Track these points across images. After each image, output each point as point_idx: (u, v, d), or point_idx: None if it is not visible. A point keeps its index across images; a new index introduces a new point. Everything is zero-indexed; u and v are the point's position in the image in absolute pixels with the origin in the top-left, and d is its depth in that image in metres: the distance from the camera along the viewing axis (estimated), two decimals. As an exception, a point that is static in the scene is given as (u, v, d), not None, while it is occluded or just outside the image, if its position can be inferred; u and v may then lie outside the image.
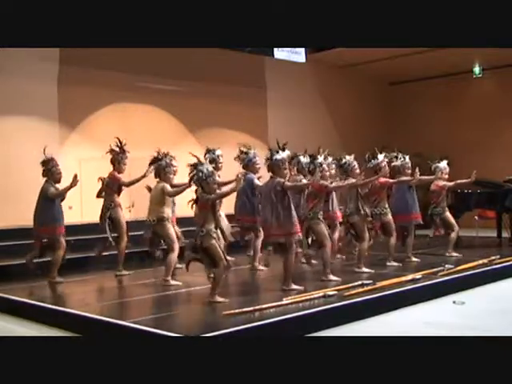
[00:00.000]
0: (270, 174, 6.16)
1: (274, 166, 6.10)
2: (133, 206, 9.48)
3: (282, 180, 6.03)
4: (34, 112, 9.85)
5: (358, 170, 7.26)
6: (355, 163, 7.31)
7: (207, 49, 9.83)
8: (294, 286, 6.09)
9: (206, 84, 11.78)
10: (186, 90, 11.64)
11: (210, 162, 7.99)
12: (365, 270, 7.16)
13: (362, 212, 7.18)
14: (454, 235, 8.45)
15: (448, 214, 8.42)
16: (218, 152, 8.11)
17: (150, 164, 7.00)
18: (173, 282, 6.70)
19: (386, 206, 7.73)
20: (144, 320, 5.09)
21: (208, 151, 8.16)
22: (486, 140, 14.19)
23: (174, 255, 6.76)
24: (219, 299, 5.63)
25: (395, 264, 7.65)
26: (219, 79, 11.97)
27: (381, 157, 7.78)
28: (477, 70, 14.14)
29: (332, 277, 6.58)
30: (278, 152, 6.11)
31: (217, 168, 7.97)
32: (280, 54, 11.79)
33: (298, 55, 12.10)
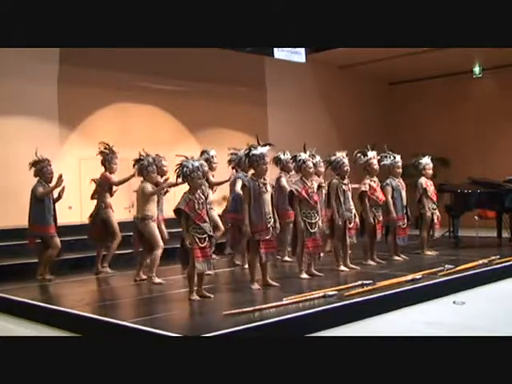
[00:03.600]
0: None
1: (251, 162, 6.18)
2: (132, 206, 9.48)
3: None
4: (34, 112, 9.86)
5: (346, 168, 7.27)
6: (344, 160, 7.32)
7: (207, 49, 9.83)
8: (255, 286, 6.20)
9: (206, 84, 11.79)
10: (186, 89, 11.65)
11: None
12: (343, 268, 7.20)
13: (342, 210, 7.20)
14: (424, 234, 8.52)
15: (425, 212, 8.45)
16: (212, 152, 8.20)
17: (134, 165, 7.09)
18: (157, 280, 6.76)
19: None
20: (144, 320, 5.09)
21: (203, 152, 8.28)
22: (486, 140, 14.20)
23: (158, 253, 6.82)
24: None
25: (373, 263, 7.75)
26: (219, 79, 11.97)
27: (371, 154, 7.80)
28: (477, 69, 14.15)
29: (303, 275, 6.75)
30: (255, 148, 6.18)
31: (211, 168, 8.05)
32: (280, 53, 11.79)
33: (298, 55, 12.09)
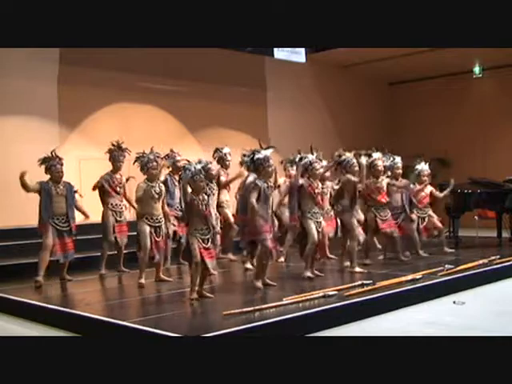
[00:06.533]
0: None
1: (257, 165, 6.13)
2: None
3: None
4: (34, 112, 9.85)
5: (356, 168, 7.25)
6: (354, 161, 7.31)
7: (207, 49, 9.83)
8: (258, 284, 6.19)
9: (206, 84, 11.78)
10: (186, 89, 11.64)
11: (218, 161, 8.15)
12: (357, 269, 7.16)
13: (354, 211, 7.19)
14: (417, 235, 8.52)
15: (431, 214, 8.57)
16: (225, 150, 8.23)
17: (134, 162, 7.05)
18: (141, 281, 6.72)
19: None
20: (144, 320, 5.09)
21: (216, 150, 8.30)
22: (486, 140, 14.20)
23: (141, 254, 6.76)
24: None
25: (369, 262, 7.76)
26: (219, 79, 11.97)
27: (376, 155, 7.80)
28: (477, 69, 14.14)
29: (308, 273, 6.67)
30: (259, 151, 6.17)
31: (225, 166, 8.09)
32: (280, 53, 11.79)
33: (298, 55, 12.09)
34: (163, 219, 6.97)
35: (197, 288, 5.83)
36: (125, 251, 7.95)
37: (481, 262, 7.55)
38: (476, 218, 10.25)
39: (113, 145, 7.80)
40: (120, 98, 10.90)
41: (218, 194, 8.13)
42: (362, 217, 7.77)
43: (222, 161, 8.10)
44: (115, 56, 10.04)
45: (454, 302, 6.10)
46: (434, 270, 7.00)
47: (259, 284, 6.22)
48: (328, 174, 8.18)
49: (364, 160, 7.40)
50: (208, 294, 5.94)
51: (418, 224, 8.45)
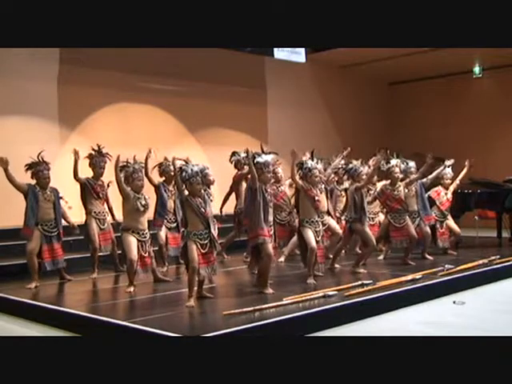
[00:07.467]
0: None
1: (256, 169, 5.99)
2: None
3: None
4: (34, 112, 9.84)
5: (364, 176, 7.20)
6: (362, 169, 7.26)
7: (207, 49, 9.83)
8: (269, 290, 6.00)
9: (206, 84, 11.77)
10: (186, 89, 11.64)
11: (235, 165, 8.20)
12: (359, 270, 7.14)
13: (363, 218, 7.14)
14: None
15: (448, 219, 8.62)
16: (243, 154, 8.22)
17: (121, 170, 6.77)
18: (130, 289, 6.51)
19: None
20: (144, 320, 5.09)
21: (233, 154, 8.32)
22: (486, 140, 14.19)
23: (128, 266, 6.49)
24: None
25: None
26: (219, 79, 11.96)
27: (394, 161, 7.75)
28: (477, 69, 14.13)
29: (311, 280, 6.48)
30: (259, 155, 6.06)
31: (242, 170, 8.11)
32: (280, 53, 11.78)
33: (298, 55, 12.08)
34: (149, 234, 6.71)
35: (196, 289, 5.80)
36: (119, 251, 7.92)
37: (481, 262, 7.55)
38: (476, 218, 10.24)
39: (93, 150, 7.70)
40: (120, 98, 10.89)
41: (237, 199, 8.38)
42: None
43: (240, 164, 8.17)
44: (115, 56, 10.04)
45: (454, 302, 6.10)
46: (434, 270, 7.00)
47: (269, 290, 6.01)
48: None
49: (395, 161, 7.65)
50: (208, 294, 5.93)
51: (436, 228, 8.39)
